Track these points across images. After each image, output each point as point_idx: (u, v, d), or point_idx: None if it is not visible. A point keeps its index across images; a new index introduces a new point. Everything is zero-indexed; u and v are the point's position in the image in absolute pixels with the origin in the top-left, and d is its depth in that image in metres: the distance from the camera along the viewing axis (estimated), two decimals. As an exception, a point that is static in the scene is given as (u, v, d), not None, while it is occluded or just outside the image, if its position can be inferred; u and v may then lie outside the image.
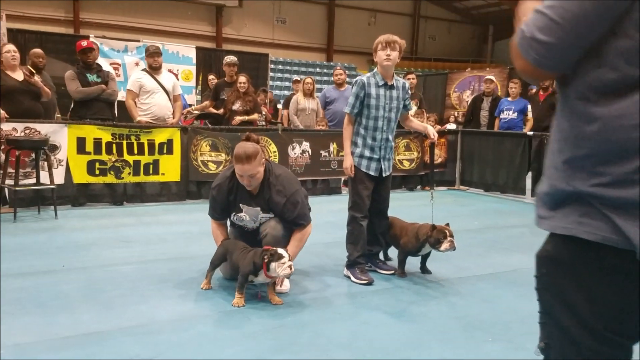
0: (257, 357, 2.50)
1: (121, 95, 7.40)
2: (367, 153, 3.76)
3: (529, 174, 7.73)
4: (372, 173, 3.76)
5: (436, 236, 3.59)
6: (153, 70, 6.47)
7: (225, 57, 7.64)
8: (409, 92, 3.95)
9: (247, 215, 3.47)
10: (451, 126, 11.37)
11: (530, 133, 7.73)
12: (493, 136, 8.35)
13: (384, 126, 3.75)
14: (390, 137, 3.85)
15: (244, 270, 3.11)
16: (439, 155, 8.73)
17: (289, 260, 3.06)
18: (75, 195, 6.11)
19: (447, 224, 3.67)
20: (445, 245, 3.56)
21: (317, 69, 20.25)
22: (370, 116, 3.72)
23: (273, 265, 3.02)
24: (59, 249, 4.29)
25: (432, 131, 3.84)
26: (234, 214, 3.51)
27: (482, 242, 5.01)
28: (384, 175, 3.83)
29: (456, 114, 14.39)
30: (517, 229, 5.68)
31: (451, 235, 3.58)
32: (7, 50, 5.79)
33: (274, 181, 3.36)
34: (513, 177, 7.95)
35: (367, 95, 3.69)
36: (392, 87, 3.75)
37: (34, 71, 6.29)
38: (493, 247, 4.80)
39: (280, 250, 3.07)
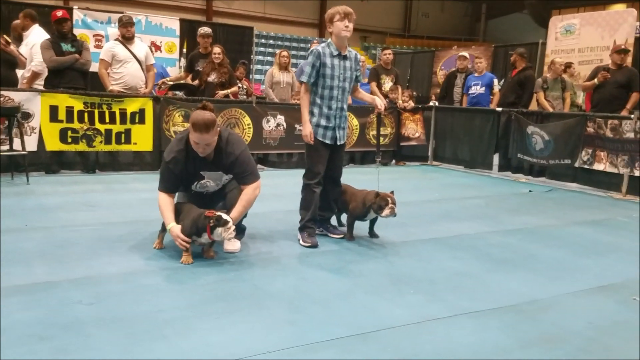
0: (191, 305, 2.68)
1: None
2: (323, 122, 3.91)
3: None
4: (327, 141, 3.93)
5: (379, 203, 3.77)
6: (126, 40, 6.55)
7: (199, 29, 7.69)
8: (360, 63, 4.09)
9: (211, 181, 3.59)
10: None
11: (499, 109, 7.87)
12: (464, 112, 8.49)
13: (339, 95, 3.91)
14: (345, 107, 4.01)
15: (186, 232, 3.29)
16: (416, 131, 8.88)
17: (232, 224, 3.24)
18: (48, 163, 6.26)
19: (392, 192, 3.85)
20: (386, 211, 3.74)
21: (309, 45, 20.09)
22: (325, 85, 3.86)
23: (219, 230, 3.20)
24: (25, 211, 4.46)
25: (379, 102, 3.99)
26: (196, 182, 3.58)
27: (437, 211, 5.21)
28: (338, 143, 3.99)
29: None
30: (474, 200, 5.88)
31: (393, 203, 3.76)
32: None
33: (224, 144, 3.46)
34: (482, 152, 8.13)
35: (323, 65, 3.82)
36: (345, 57, 3.89)
37: (10, 40, 6.38)
38: (445, 216, 5.00)
39: (225, 216, 3.23)
